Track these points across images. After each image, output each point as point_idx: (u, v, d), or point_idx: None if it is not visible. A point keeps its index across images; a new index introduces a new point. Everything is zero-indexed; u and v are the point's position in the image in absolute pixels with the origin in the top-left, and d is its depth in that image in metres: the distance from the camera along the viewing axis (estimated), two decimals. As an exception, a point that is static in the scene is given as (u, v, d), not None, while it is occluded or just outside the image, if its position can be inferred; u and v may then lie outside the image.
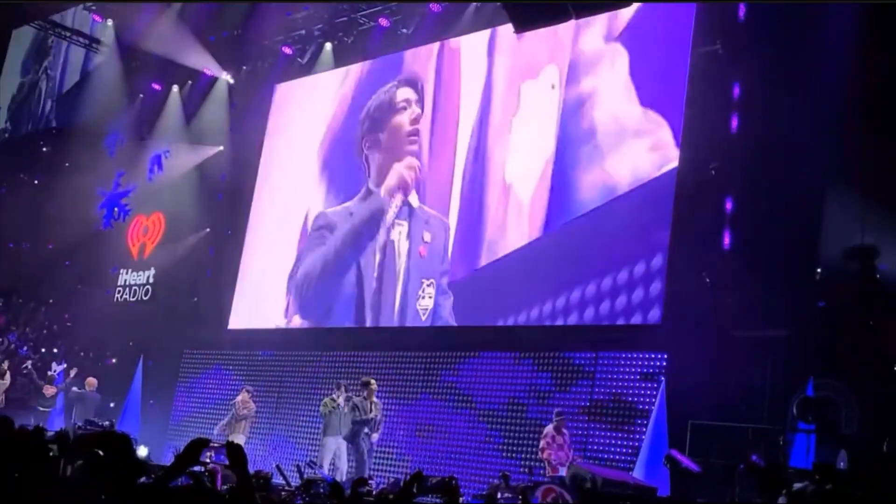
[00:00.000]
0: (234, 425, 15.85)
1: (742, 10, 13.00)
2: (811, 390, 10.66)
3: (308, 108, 19.19)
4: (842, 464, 9.53)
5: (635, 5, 13.57)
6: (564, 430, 12.51)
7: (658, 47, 13.90)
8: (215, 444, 3.87)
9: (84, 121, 23.63)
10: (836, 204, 11.34)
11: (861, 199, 10.90)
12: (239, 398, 16.14)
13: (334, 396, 14.40)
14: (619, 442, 12.75)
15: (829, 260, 11.53)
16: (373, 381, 13.93)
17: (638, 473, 11.34)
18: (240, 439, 15.36)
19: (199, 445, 3.98)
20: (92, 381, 17.90)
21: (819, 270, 11.65)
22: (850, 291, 11.28)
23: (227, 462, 4.32)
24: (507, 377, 14.19)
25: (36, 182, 24.87)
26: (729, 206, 12.58)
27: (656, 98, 13.66)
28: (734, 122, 12.81)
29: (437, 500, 8.21)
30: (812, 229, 11.64)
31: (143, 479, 3.84)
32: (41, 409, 18.15)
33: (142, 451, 12.96)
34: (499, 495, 11.02)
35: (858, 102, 11.11)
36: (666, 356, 12.62)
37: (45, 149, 25.06)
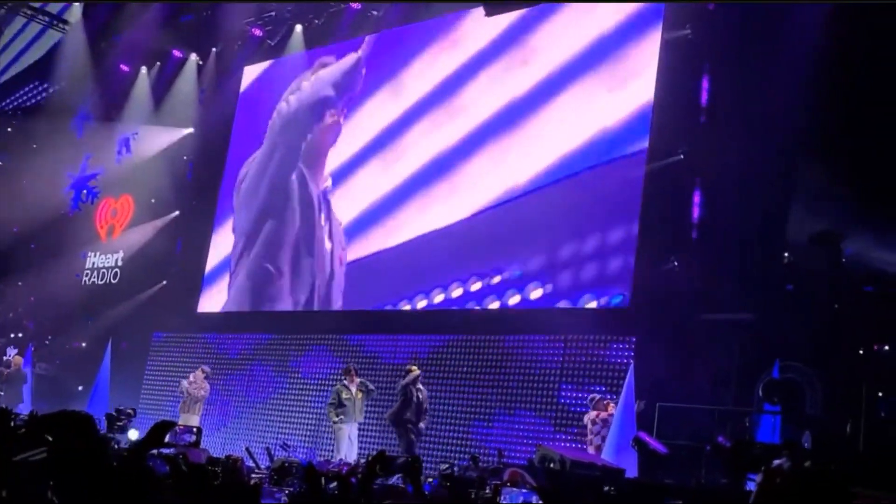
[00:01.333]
0: (189, 406, 15.74)
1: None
2: (777, 373, 10.77)
3: (277, 90, 19.07)
4: (806, 444, 9.65)
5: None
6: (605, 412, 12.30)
7: (628, 31, 13.92)
8: (181, 426, 3.86)
9: (51, 101, 23.37)
10: (803, 189, 11.45)
11: (828, 185, 11.00)
12: (189, 377, 15.96)
13: (346, 383, 13.87)
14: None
15: (796, 244, 11.63)
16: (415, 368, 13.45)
17: (606, 455, 11.41)
18: (193, 420, 15.30)
19: (164, 428, 3.98)
20: (18, 360, 17.91)
21: (786, 255, 11.76)
22: (816, 275, 11.40)
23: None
24: (479, 361, 14.22)
25: (0, 163, 24.54)
26: (697, 190, 12.66)
27: (625, 82, 13.70)
28: (703, 108, 12.89)
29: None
30: (779, 214, 11.75)
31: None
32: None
33: (132, 435, 12.82)
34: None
35: (827, 89, 11.19)
36: (634, 340, 12.71)
37: (9, 129, 24.73)
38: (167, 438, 4.03)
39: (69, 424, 3.10)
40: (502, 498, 6.78)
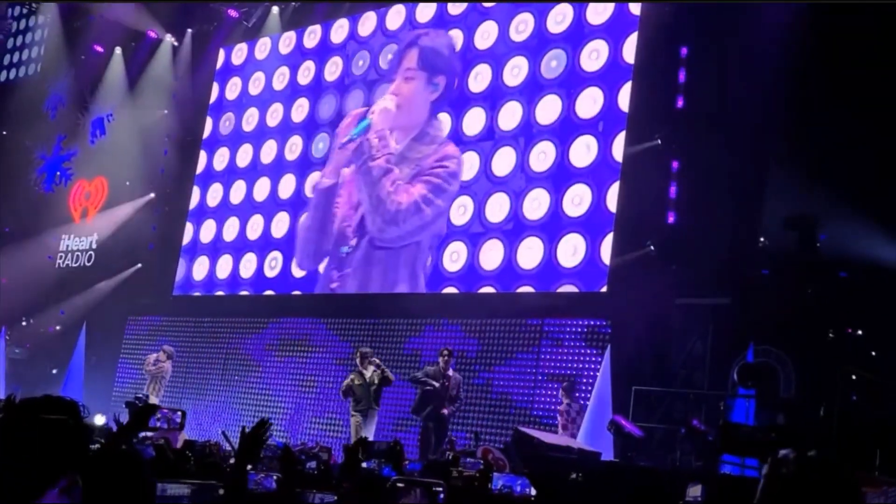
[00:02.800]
0: (151, 387, 15.65)
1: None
2: (751, 356, 10.88)
3: (253, 72, 18.98)
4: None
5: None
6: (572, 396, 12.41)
7: (606, 14, 13.94)
8: (166, 409, 3.83)
9: (23, 82, 23.12)
10: (778, 174, 11.53)
11: (803, 170, 11.08)
12: (150, 357, 15.87)
13: (360, 369, 13.06)
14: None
15: (771, 229, 11.73)
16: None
17: (582, 438, 11.50)
18: (152, 401, 15.26)
19: (148, 411, 3.96)
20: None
21: (762, 239, 11.85)
22: (790, 260, 11.50)
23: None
24: (453, 344, 14.23)
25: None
26: (674, 174, 12.72)
27: (604, 66, 13.73)
28: (680, 92, 12.95)
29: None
30: (755, 199, 11.83)
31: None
32: None
33: (98, 420, 12.64)
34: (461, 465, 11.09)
35: (803, 72, 11.26)
36: (610, 323, 12.79)
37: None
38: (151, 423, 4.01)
39: (56, 411, 3.07)
40: (493, 483, 6.82)
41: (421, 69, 15.93)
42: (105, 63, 21.64)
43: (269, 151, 18.01)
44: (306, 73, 17.93)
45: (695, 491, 7.15)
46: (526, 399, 13.29)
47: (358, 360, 13.14)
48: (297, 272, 16.71)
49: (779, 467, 2.42)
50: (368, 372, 12.95)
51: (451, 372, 12.68)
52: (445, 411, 12.52)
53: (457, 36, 15.65)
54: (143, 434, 7.03)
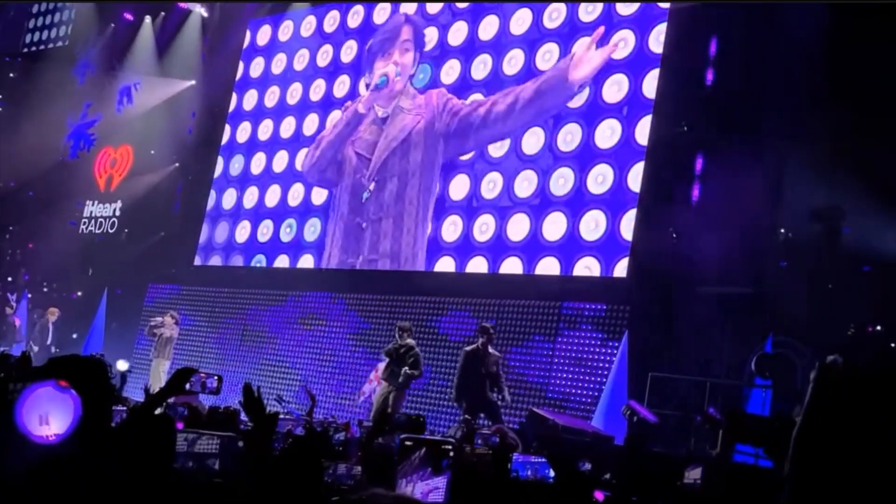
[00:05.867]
0: (159, 350, 15.85)
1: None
2: (770, 347, 10.86)
3: (281, 46, 19.01)
4: (796, 418, 9.74)
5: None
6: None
7: (635, 6, 13.92)
8: (203, 373, 3.84)
9: (54, 48, 23.24)
10: (802, 165, 11.46)
11: (830, 162, 11.02)
12: (156, 320, 16.07)
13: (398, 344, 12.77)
14: (580, 391, 12.93)
15: (793, 220, 11.68)
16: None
17: (597, 422, 11.53)
18: (164, 365, 15.54)
19: (185, 375, 4.00)
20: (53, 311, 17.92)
21: (783, 231, 11.80)
22: (811, 252, 11.45)
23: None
24: (470, 325, 14.27)
25: (1, 109, 24.44)
26: (699, 163, 12.69)
27: (632, 53, 13.71)
28: (708, 81, 12.90)
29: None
30: (778, 189, 11.78)
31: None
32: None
33: (121, 366, 12.65)
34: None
35: (829, 64, 11.19)
36: (629, 309, 12.78)
37: (11, 75, 24.59)
38: (188, 386, 4.04)
39: (85, 369, 3.13)
40: (520, 468, 6.73)
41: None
42: (134, 31, 21.72)
43: (310, 124, 18.07)
44: (336, 51, 17.97)
45: (694, 474, 7.17)
46: (541, 381, 13.32)
47: (398, 335, 12.96)
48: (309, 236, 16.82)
49: (828, 371, 2.46)
50: (393, 347, 12.91)
51: (491, 349, 12.17)
52: (495, 396, 12.04)
53: (492, 21, 15.65)
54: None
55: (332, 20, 18.36)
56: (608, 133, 13.64)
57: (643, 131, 13.21)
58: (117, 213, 21.21)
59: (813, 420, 2.45)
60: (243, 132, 19.06)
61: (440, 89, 15.93)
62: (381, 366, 13.19)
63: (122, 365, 12.47)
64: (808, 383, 2.54)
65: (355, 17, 17.95)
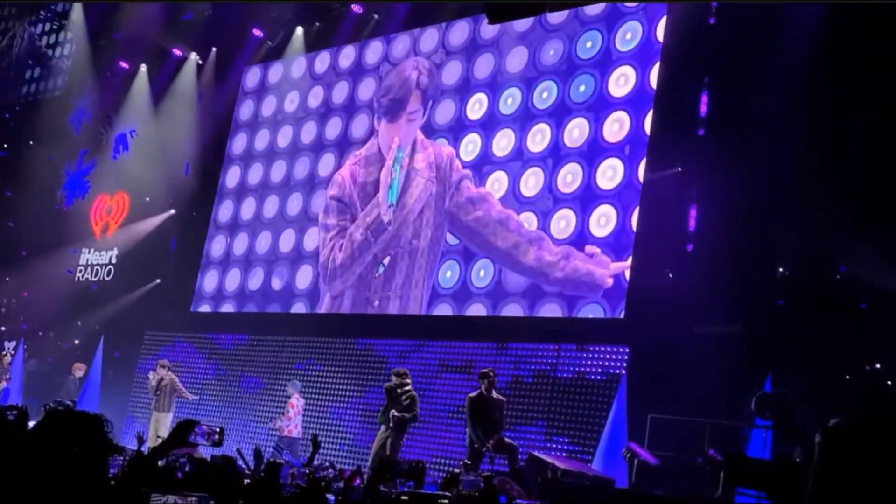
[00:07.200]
0: (161, 404, 15.81)
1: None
2: (769, 386, 10.82)
3: (276, 92, 19.14)
4: (798, 459, 9.69)
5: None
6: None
7: (630, 38, 14.02)
8: (205, 426, 3.80)
9: (50, 97, 23.35)
10: (800, 203, 11.49)
11: (826, 200, 11.05)
12: (157, 374, 16.00)
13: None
14: (579, 434, 12.86)
15: (790, 259, 11.69)
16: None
17: (597, 465, 11.46)
18: (167, 419, 15.49)
19: (187, 427, 3.97)
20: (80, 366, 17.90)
21: (780, 269, 11.81)
22: (809, 291, 11.45)
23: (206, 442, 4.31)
24: (470, 368, 14.24)
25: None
26: (693, 202, 12.71)
27: (620, 97, 13.81)
28: (701, 122, 12.97)
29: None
30: (775, 228, 11.79)
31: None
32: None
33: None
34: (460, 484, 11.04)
35: (827, 104, 11.26)
36: (627, 350, 12.76)
37: (10, 123, 24.67)
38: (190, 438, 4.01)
39: (84, 425, 3.08)
40: None
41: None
42: (130, 80, 21.85)
43: (301, 168, 18.12)
44: (328, 93, 18.07)
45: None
46: (540, 424, 13.24)
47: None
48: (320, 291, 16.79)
49: (832, 435, 2.43)
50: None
51: (494, 394, 12.01)
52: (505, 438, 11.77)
53: (487, 60, 15.75)
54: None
55: (322, 62, 18.48)
56: (610, 173, 13.66)
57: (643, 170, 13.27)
58: (113, 261, 21.20)
59: (825, 486, 2.42)
60: (245, 175, 19.11)
61: (450, 150, 15.82)
62: (296, 399, 13.94)
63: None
64: (814, 447, 2.51)
65: (346, 59, 18.06)
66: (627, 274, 12.98)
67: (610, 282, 13.16)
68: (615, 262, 13.16)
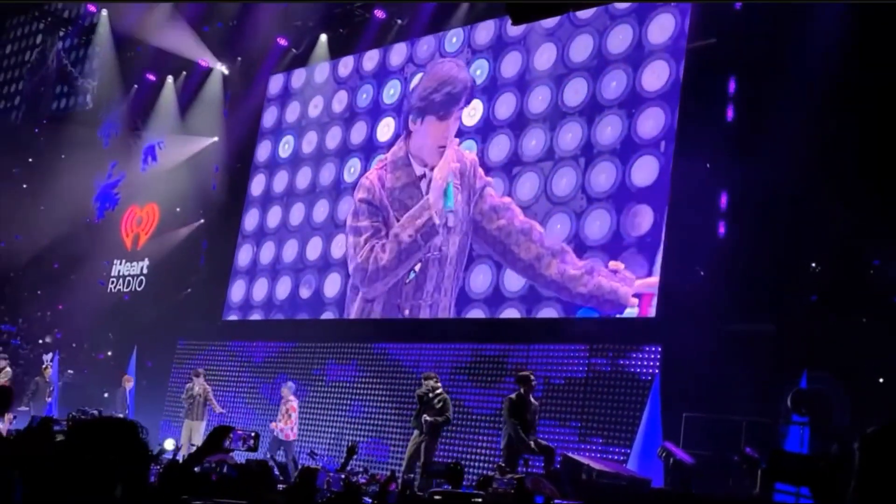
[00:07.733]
0: (195, 412, 16.10)
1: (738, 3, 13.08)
2: (805, 383, 10.72)
3: (300, 98, 19.21)
4: (836, 454, 9.60)
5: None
6: None
7: (653, 37, 13.92)
8: (240, 431, 3.81)
9: (79, 110, 23.59)
10: (831, 197, 11.38)
11: (858, 195, 10.94)
12: (194, 383, 16.26)
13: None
14: (614, 434, 12.79)
15: (823, 254, 11.58)
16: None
17: (632, 465, 11.40)
18: (200, 427, 15.63)
19: (222, 433, 3.98)
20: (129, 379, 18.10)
21: (813, 265, 11.70)
22: (842, 286, 11.34)
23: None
24: (502, 370, 14.22)
25: (31, 172, 24.74)
26: (724, 199, 12.63)
27: (653, 91, 13.70)
28: (729, 116, 12.88)
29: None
30: (807, 223, 11.69)
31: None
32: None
33: (168, 445, 12.69)
34: (494, 483, 11.04)
35: (855, 93, 11.14)
36: (660, 349, 12.68)
37: (41, 138, 24.95)
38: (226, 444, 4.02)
39: (115, 432, 3.07)
40: None
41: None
42: (157, 91, 22.04)
43: (327, 174, 18.16)
44: (353, 97, 18.10)
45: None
46: (573, 424, 13.19)
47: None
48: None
49: (871, 442, 2.42)
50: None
51: (531, 399, 11.98)
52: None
53: (515, 58, 15.69)
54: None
55: (346, 66, 18.54)
56: (643, 171, 13.49)
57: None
58: (144, 272, 21.36)
59: (866, 492, 2.39)
60: (272, 183, 19.20)
61: (473, 157, 15.71)
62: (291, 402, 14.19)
63: (168, 444, 12.63)
64: (853, 453, 2.49)
65: (370, 62, 18.10)
66: (653, 290, 12.81)
67: (635, 301, 13.03)
68: (641, 274, 13.00)
